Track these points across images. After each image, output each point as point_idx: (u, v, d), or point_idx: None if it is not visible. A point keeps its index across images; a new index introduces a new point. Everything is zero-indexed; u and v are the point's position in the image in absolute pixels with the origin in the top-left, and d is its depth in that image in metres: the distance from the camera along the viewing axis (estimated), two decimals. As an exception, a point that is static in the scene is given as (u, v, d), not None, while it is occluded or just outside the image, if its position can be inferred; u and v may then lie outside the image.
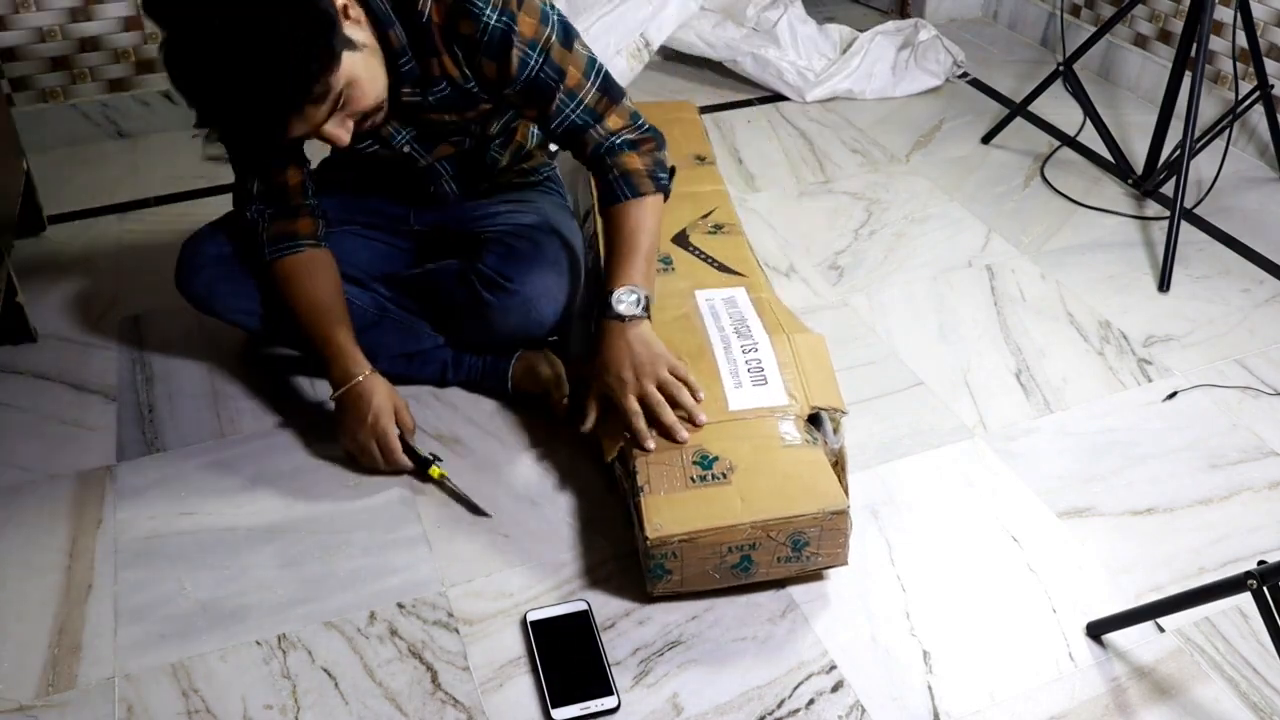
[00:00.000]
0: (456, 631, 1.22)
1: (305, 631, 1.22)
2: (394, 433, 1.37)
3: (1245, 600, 1.05)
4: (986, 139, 2.28)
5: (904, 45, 2.50)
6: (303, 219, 1.43)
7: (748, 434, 1.27)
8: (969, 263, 1.88)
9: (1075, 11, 2.65)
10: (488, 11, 1.26)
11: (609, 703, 1.13)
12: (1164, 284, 1.81)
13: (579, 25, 2.41)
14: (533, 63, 1.30)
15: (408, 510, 1.37)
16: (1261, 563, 1.03)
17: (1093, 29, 2.27)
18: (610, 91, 1.37)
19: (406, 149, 1.43)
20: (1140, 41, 2.48)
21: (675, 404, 1.28)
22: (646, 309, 1.32)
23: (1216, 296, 1.80)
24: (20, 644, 1.20)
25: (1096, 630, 1.22)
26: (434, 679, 1.17)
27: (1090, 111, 2.15)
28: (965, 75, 2.57)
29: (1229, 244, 1.94)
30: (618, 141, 1.38)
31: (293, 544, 1.32)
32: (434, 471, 1.39)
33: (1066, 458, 1.47)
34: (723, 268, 1.58)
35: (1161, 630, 1.22)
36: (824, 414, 1.33)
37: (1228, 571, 1.27)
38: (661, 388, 1.28)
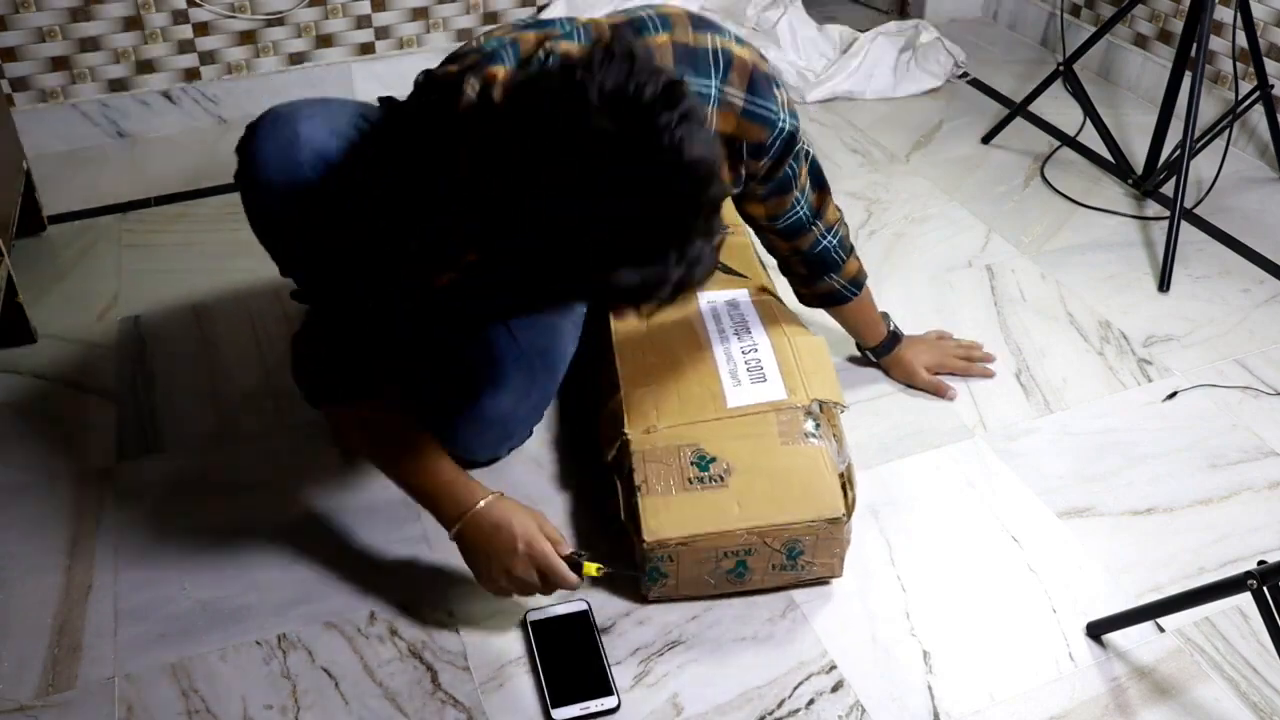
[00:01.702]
0: (456, 631, 1.22)
1: (305, 631, 1.22)
2: (553, 552, 1.15)
3: (1245, 600, 1.05)
4: (986, 139, 2.28)
5: (905, 47, 2.49)
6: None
7: (746, 432, 1.27)
8: (969, 263, 1.88)
9: (1075, 11, 2.65)
10: (781, 114, 1.18)
11: (609, 703, 1.13)
12: (1164, 284, 1.81)
13: (579, 25, 2.41)
14: (788, 163, 1.25)
15: (408, 510, 1.37)
16: (1261, 563, 1.03)
17: (1093, 29, 2.27)
18: (822, 185, 1.35)
19: None
20: (1140, 41, 2.48)
21: (970, 357, 1.61)
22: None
23: (1216, 296, 1.80)
24: (20, 644, 1.20)
25: (1096, 630, 1.22)
26: (434, 679, 1.17)
27: (1090, 111, 2.15)
28: (965, 75, 2.57)
29: (1229, 244, 1.94)
30: (834, 244, 1.39)
31: (293, 544, 1.32)
32: (590, 570, 1.18)
33: (1066, 458, 1.47)
34: (725, 269, 1.58)
35: (1161, 630, 1.22)
36: (833, 433, 1.33)
37: (1228, 571, 1.27)
38: (954, 352, 1.61)
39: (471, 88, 1.01)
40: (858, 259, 1.47)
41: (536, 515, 1.18)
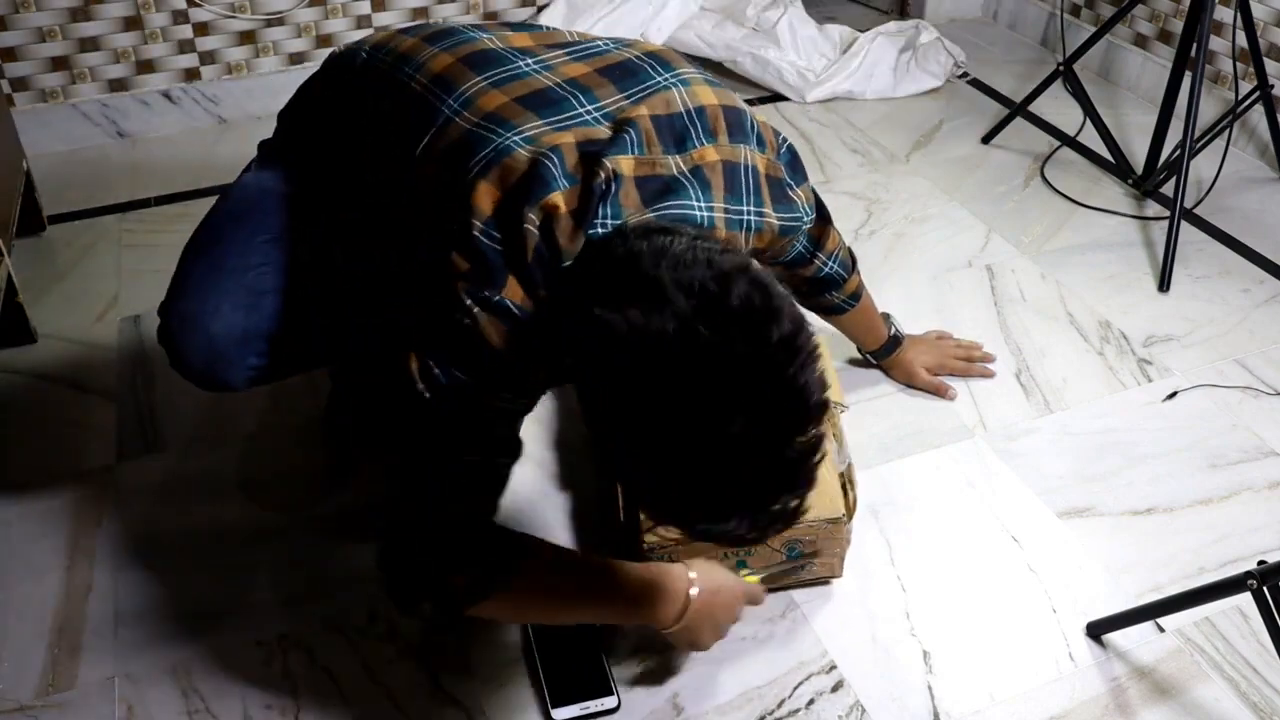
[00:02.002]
0: (457, 631, 1.22)
1: (306, 631, 1.22)
2: (748, 589, 1.15)
3: (1245, 600, 1.05)
4: (986, 139, 2.28)
5: (905, 47, 2.49)
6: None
7: None
8: (969, 263, 1.88)
9: (1075, 11, 2.65)
10: (803, 214, 1.13)
11: (609, 703, 1.13)
12: (1164, 284, 1.81)
13: (580, 26, 2.41)
14: (800, 232, 1.20)
15: (408, 510, 1.37)
16: (1261, 563, 1.03)
17: (1093, 29, 2.27)
18: (823, 217, 1.31)
19: None
20: (1140, 41, 2.48)
21: (970, 357, 1.62)
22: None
23: (1216, 296, 1.80)
24: (20, 644, 1.20)
25: (1096, 630, 1.22)
26: (434, 679, 1.17)
27: (1090, 111, 2.15)
28: (965, 75, 2.57)
29: (1229, 244, 1.94)
30: (835, 268, 1.37)
31: (293, 544, 1.32)
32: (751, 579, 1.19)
33: (1066, 458, 1.47)
34: None
35: (1161, 630, 1.22)
36: (833, 434, 1.33)
37: (1228, 571, 1.27)
38: (954, 353, 1.62)
39: (536, 239, 0.91)
40: (858, 274, 1.45)
41: (714, 555, 1.16)
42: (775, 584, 1.25)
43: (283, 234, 1.21)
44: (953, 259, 1.89)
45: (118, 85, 2.22)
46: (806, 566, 1.23)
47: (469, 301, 0.91)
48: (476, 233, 0.93)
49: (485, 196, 0.94)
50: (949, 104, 2.45)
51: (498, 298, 0.91)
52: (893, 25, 2.57)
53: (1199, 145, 1.99)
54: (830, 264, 1.38)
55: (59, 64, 2.15)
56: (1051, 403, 1.56)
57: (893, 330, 1.56)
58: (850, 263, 1.43)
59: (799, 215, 1.12)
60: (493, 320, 0.92)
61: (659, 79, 1.05)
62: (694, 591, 1.07)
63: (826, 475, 1.22)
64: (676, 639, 1.10)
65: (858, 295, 1.47)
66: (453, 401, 0.94)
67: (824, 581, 1.27)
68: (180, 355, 1.17)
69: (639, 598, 1.07)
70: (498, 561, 1.00)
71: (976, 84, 2.55)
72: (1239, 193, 2.10)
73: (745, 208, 1.05)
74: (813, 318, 1.59)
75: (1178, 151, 1.94)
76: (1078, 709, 1.14)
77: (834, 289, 1.43)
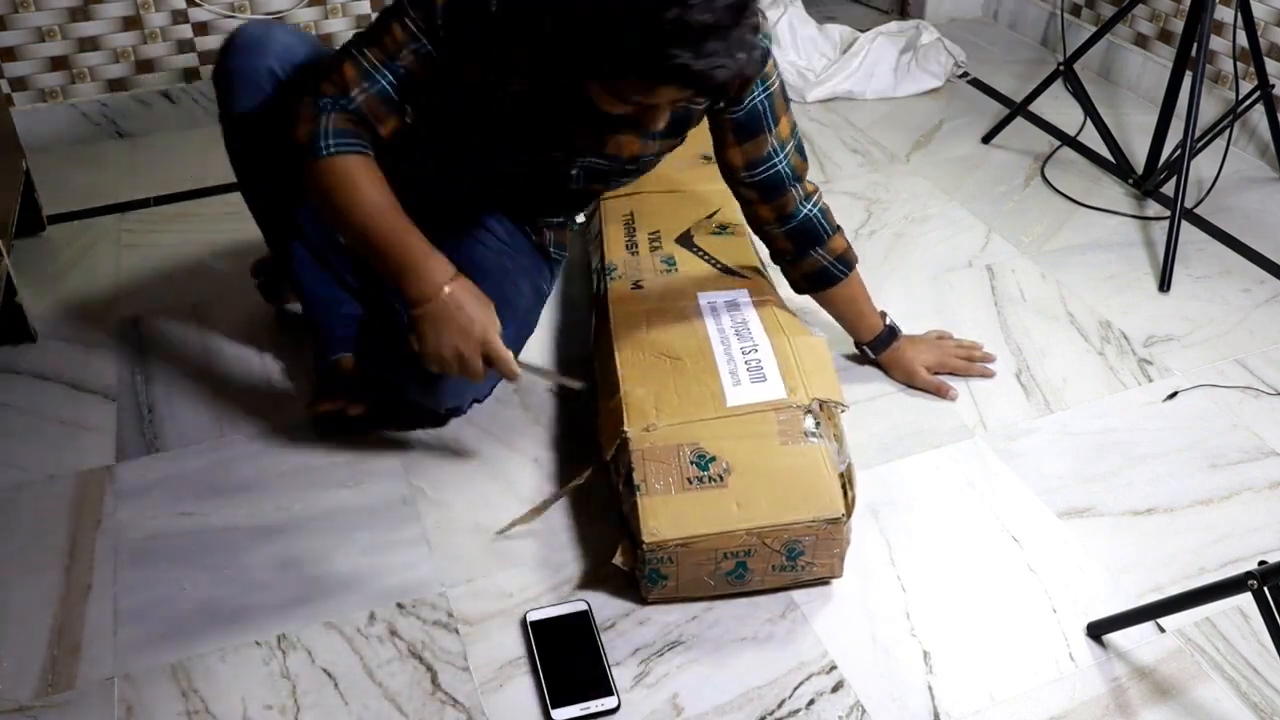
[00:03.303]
0: (456, 632, 1.22)
1: (305, 631, 1.22)
2: (500, 342, 1.25)
3: (1245, 600, 1.05)
4: (987, 139, 2.28)
5: (906, 48, 2.49)
6: (368, 132, 1.26)
7: (746, 432, 1.26)
8: (969, 263, 1.88)
9: (1075, 11, 2.65)
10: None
11: (609, 703, 1.13)
12: (1164, 284, 1.81)
13: (579, 25, 2.41)
14: (758, 93, 1.33)
15: (408, 510, 1.37)
16: (1262, 563, 1.03)
17: (1093, 29, 2.27)
18: (803, 155, 1.42)
19: (576, 167, 1.40)
20: (1141, 41, 2.48)
21: (970, 357, 1.62)
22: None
23: (1217, 296, 1.80)
24: (20, 644, 1.20)
25: (1097, 630, 1.21)
26: (434, 679, 1.17)
27: (1090, 111, 2.15)
28: (965, 75, 2.57)
29: (1229, 244, 1.94)
30: (815, 213, 1.43)
31: (293, 544, 1.32)
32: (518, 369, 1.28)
33: (1066, 458, 1.47)
34: (726, 269, 1.58)
35: (1162, 630, 1.22)
36: (833, 433, 1.33)
37: (1228, 571, 1.27)
38: (955, 352, 1.61)
39: None
40: (845, 239, 1.49)
41: (491, 305, 1.26)
42: (775, 585, 1.25)
43: None
44: (953, 259, 1.89)
45: (117, 85, 2.22)
46: (806, 567, 1.23)
47: None
48: None
49: None
50: (949, 104, 2.45)
51: None
52: (893, 25, 2.57)
53: (1199, 145, 1.99)
54: (810, 206, 1.43)
55: (58, 64, 2.15)
56: (1052, 403, 1.56)
57: (888, 320, 1.57)
58: (834, 223, 1.47)
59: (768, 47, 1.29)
60: None
61: None
62: (444, 292, 1.21)
63: (826, 474, 1.22)
64: (416, 328, 1.23)
65: (848, 262, 1.49)
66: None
67: (824, 582, 1.27)
68: (231, 38, 1.37)
69: (408, 261, 1.21)
70: (335, 132, 1.21)
71: (977, 84, 2.55)
72: (1239, 193, 2.10)
73: None
74: (809, 307, 1.60)
75: (1178, 151, 1.94)
76: (1078, 709, 1.14)
77: (819, 244, 1.46)
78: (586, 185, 1.44)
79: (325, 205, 1.24)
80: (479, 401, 1.47)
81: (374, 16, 2.31)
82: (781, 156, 1.38)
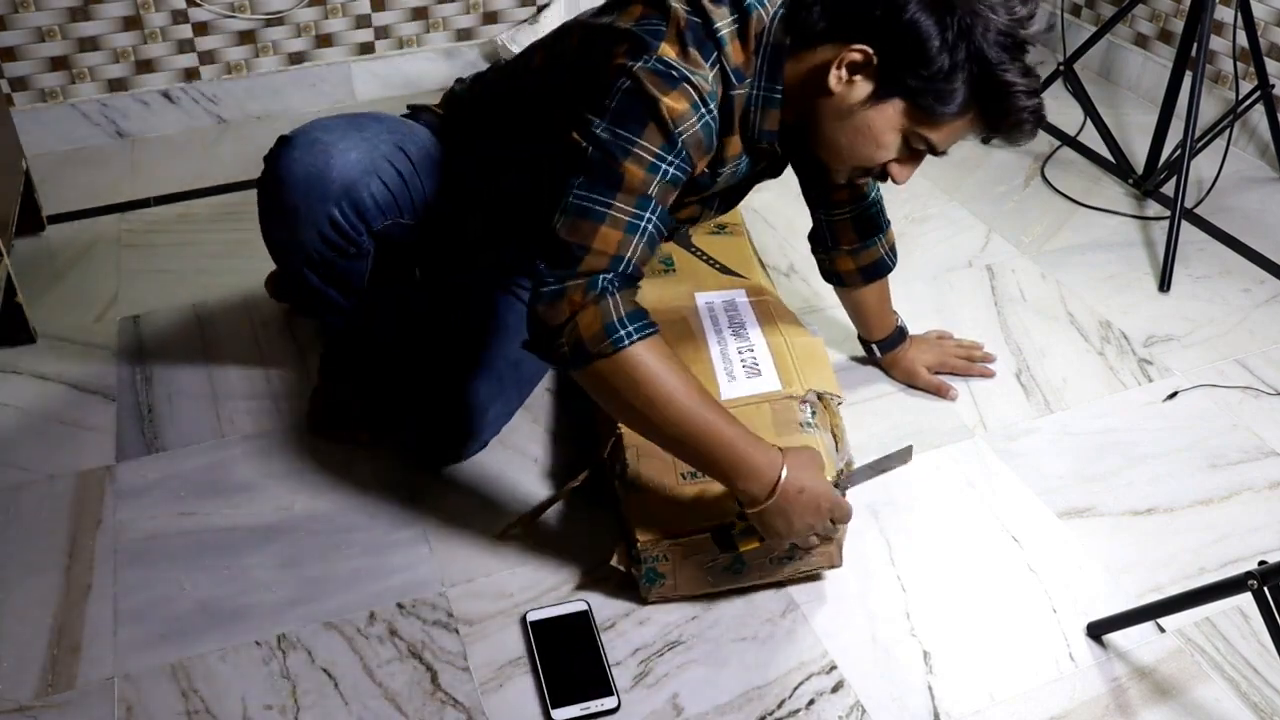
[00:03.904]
0: (456, 632, 1.22)
1: (305, 631, 1.22)
2: (840, 497, 1.15)
3: (1245, 600, 1.05)
4: (986, 139, 2.27)
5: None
6: (638, 292, 1.10)
7: (742, 422, 1.26)
8: (969, 263, 1.88)
9: (1075, 11, 2.65)
10: None
11: (609, 703, 1.13)
12: (1164, 284, 1.81)
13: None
14: None
15: (408, 510, 1.37)
16: (1262, 563, 1.03)
17: (1093, 29, 2.27)
18: None
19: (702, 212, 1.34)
20: (1141, 41, 2.48)
21: (970, 357, 1.62)
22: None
23: (1217, 296, 1.80)
24: (20, 644, 1.20)
25: (1097, 630, 1.21)
26: (434, 679, 1.17)
27: (1090, 111, 2.15)
28: (965, 75, 2.57)
29: (1229, 244, 1.94)
30: (880, 198, 1.45)
31: (293, 544, 1.32)
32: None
33: (1066, 458, 1.47)
34: (724, 269, 1.57)
35: (1162, 630, 1.22)
36: (832, 430, 1.33)
37: (1228, 571, 1.27)
38: (955, 352, 1.61)
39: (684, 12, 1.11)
40: (893, 233, 1.50)
41: (819, 462, 1.14)
42: (775, 577, 1.25)
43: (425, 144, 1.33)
44: (953, 259, 1.89)
45: (117, 85, 2.22)
46: (804, 557, 1.22)
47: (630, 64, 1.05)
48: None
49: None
50: (949, 104, 2.45)
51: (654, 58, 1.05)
52: (893, 25, 2.57)
53: (1199, 145, 1.99)
54: (877, 191, 1.44)
55: (58, 64, 2.15)
56: (1052, 403, 1.56)
57: (899, 321, 1.57)
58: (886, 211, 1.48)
59: None
60: (650, 74, 1.05)
61: None
62: (783, 478, 1.08)
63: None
64: (757, 520, 1.10)
65: (895, 253, 1.50)
66: (612, 148, 1.05)
67: (823, 577, 1.27)
68: (289, 162, 1.23)
69: (738, 456, 1.07)
70: (629, 317, 1.04)
71: (976, 84, 2.54)
72: (1239, 192, 2.10)
73: None
74: (819, 305, 1.60)
75: (1178, 151, 1.94)
76: (1078, 709, 1.14)
77: (880, 233, 1.46)
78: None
79: (622, 402, 1.07)
80: (473, 454, 1.44)
81: (373, 17, 2.33)
82: None
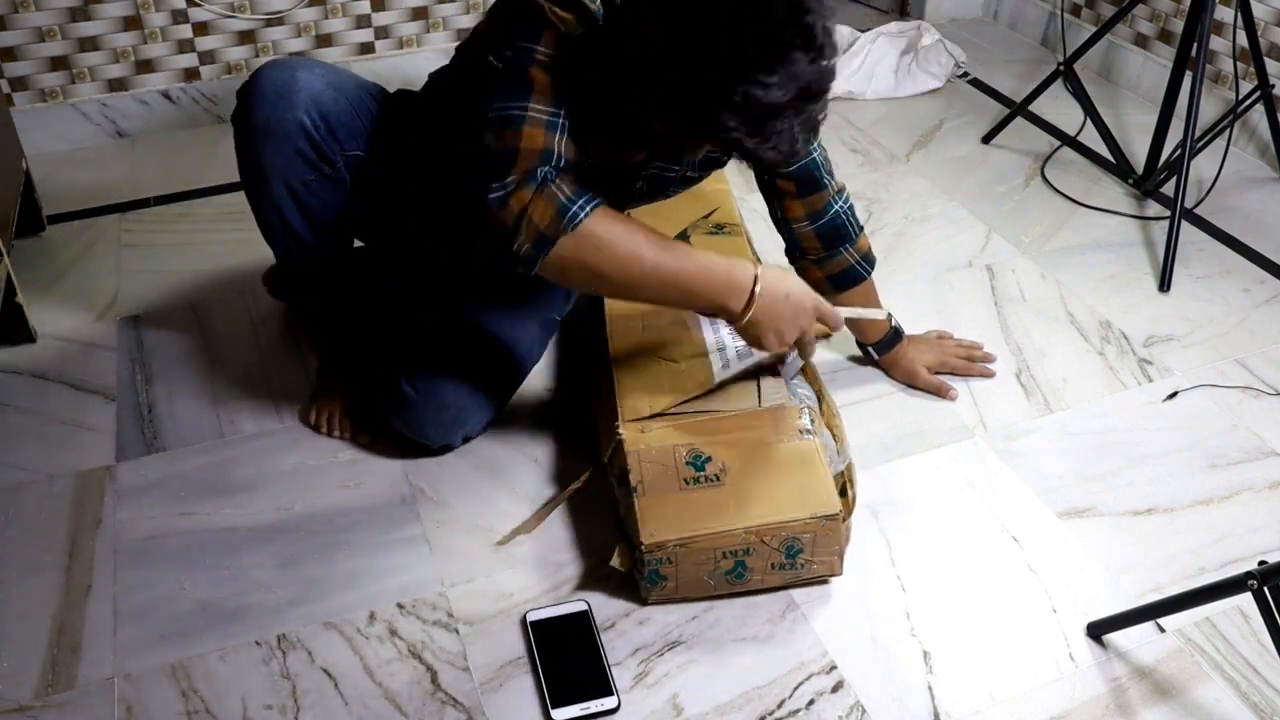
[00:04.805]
0: (456, 632, 1.22)
1: (305, 631, 1.22)
2: (824, 301, 1.25)
3: (1246, 600, 1.05)
4: (987, 139, 2.28)
5: (906, 49, 2.49)
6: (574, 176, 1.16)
7: (741, 430, 1.27)
8: (969, 263, 1.88)
9: (1075, 11, 2.65)
10: None
11: (609, 703, 1.13)
12: (1164, 284, 1.81)
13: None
14: None
15: (408, 510, 1.37)
16: (1262, 563, 1.03)
17: (1093, 29, 2.27)
18: (828, 159, 1.42)
19: (642, 178, 1.35)
20: (1141, 41, 2.48)
21: (970, 357, 1.62)
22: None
23: (1217, 296, 1.80)
24: (20, 644, 1.20)
25: (1097, 630, 1.21)
26: (434, 679, 1.17)
27: (1090, 111, 2.15)
28: (966, 75, 2.57)
29: (1229, 244, 1.94)
30: (846, 210, 1.44)
31: (292, 544, 1.32)
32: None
33: (1066, 458, 1.47)
34: None
35: (1162, 630, 1.22)
36: (833, 433, 1.33)
37: (1228, 571, 1.27)
38: (955, 352, 1.62)
39: None
40: (866, 236, 1.49)
41: (791, 272, 1.22)
42: (775, 584, 1.25)
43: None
44: (953, 259, 1.89)
45: (117, 85, 2.22)
46: (806, 565, 1.23)
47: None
48: None
49: None
50: (949, 103, 2.45)
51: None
52: (894, 26, 2.57)
53: (1199, 145, 1.99)
54: (840, 202, 1.43)
55: (58, 64, 2.15)
56: (1051, 403, 1.56)
57: (894, 322, 1.57)
58: (858, 219, 1.47)
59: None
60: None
61: None
62: (759, 288, 1.15)
63: (822, 472, 1.23)
64: (746, 333, 1.19)
65: (871, 261, 1.49)
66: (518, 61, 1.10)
67: (824, 581, 1.27)
68: (258, 81, 1.27)
69: (713, 279, 1.15)
70: (576, 195, 1.10)
71: (977, 84, 2.55)
72: (1239, 193, 2.10)
73: None
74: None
75: (1178, 151, 1.94)
76: (1078, 709, 1.14)
77: (847, 242, 1.45)
78: (649, 194, 1.41)
79: (596, 272, 1.13)
80: (470, 439, 1.46)
81: (373, 17, 2.33)
82: (816, 148, 1.38)
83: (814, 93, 1.00)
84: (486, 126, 1.12)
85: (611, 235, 1.11)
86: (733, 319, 1.18)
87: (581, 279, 1.16)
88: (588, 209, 1.11)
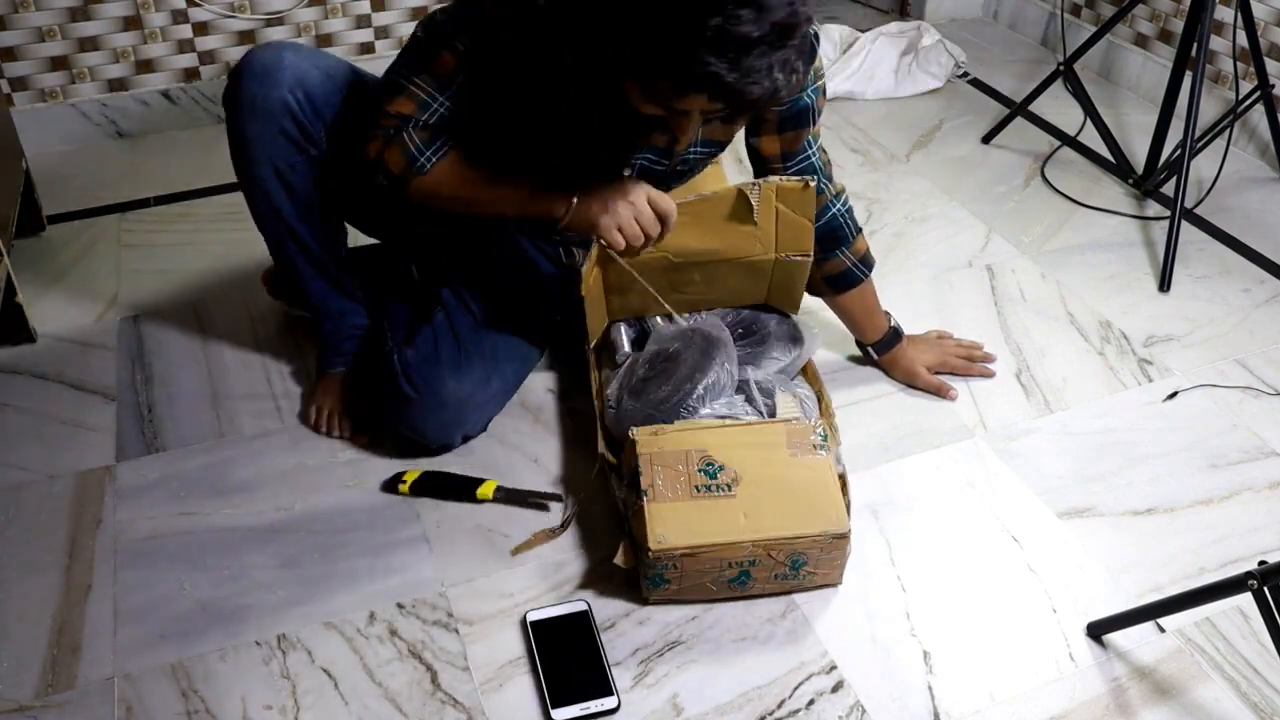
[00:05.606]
0: (456, 632, 1.22)
1: (305, 631, 1.22)
2: (655, 190, 1.26)
3: (1245, 600, 1.05)
4: (987, 139, 2.28)
5: (906, 50, 2.49)
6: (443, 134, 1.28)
7: (754, 441, 1.26)
8: (969, 263, 1.88)
9: (1075, 11, 2.65)
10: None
11: (609, 703, 1.13)
12: (1164, 284, 1.81)
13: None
14: (809, 87, 1.32)
15: (408, 510, 1.37)
16: (1262, 563, 1.03)
17: (1093, 29, 2.27)
18: (826, 153, 1.42)
19: (630, 168, 1.35)
20: (1141, 41, 2.48)
21: (970, 357, 1.62)
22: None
23: (1217, 296, 1.80)
24: (20, 644, 1.20)
25: (1097, 630, 1.21)
26: (434, 679, 1.17)
27: (1090, 111, 2.15)
28: (966, 75, 2.57)
29: (1229, 244, 1.94)
30: (844, 212, 1.45)
31: (292, 544, 1.32)
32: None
33: (1066, 458, 1.47)
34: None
35: (1162, 630, 1.22)
36: (823, 426, 1.33)
37: (1228, 571, 1.27)
38: (955, 352, 1.61)
39: None
40: (865, 239, 1.49)
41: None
42: (776, 591, 1.25)
43: None
44: (953, 259, 1.89)
45: (117, 85, 2.22)
46: (808, 576, 1.23)
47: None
48: None
49: None
50: (949, 104, 2.45)
51: None
52: (894, 26, 2.57)
53: (1199, 145, 1.99)
54: (839, 205, 1.43)
55: (58, 64, 2.15)
56: (1051, 403, 1.56)
57: (892, 322, 1.57)
58: (857, 221, 1.47)
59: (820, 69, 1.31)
60: None
61: None
62: (574, 200, 1.23)
63: (833, 489, 1.22)
64: (574, 226, 1.24)
65: (869, 264, 1.49)
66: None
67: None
68: (248, 60, 1.32)
69: (535, 192, 1.25)
70: (423, 145, 1.25)
71: (977, 84, 2.55)
72: (1239, 193, 2.10)
73: None
74: (817, 306, 1.60)
75: (1178, 151, 1.94)
76: (1078, 709, 1.14)
77: (845, 245, 1.46)
78: None
79: (445, 203, 1.29)
80: (470, 439, 1.46)
81: (373, 17, 2.33)
82: (814, 150, 1.38)
83: (786, 28, 1.01)
84: (383, 83, 1.27)
85: (457, 180, 1.26)
86: (559, 218, 1.24)
87: (436, 206, 1.29)
88: (434, 159, 1.25)
